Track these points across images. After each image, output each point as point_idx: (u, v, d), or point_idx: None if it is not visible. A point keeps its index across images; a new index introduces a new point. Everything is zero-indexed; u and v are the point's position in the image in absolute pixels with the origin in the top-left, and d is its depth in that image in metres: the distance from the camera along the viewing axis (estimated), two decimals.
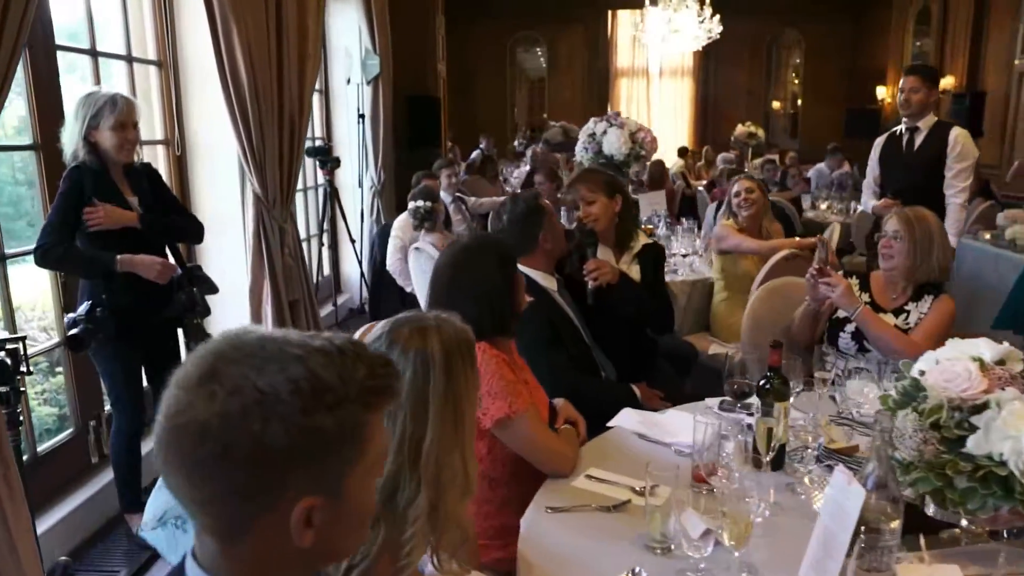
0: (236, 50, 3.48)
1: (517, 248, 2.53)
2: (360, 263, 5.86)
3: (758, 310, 2.92)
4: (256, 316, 3.98)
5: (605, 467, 1.85)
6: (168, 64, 3.80)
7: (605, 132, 4.63)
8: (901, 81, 3.96)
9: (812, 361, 2.27)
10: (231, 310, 3.75)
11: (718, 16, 9.77)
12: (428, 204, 4.22)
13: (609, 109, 13.07)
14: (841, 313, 2.71)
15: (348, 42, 5.79)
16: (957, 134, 3.83)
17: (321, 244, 5.48)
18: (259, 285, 3.95)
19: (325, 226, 5.60)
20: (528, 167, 9.52)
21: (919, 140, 3.92)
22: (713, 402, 2.29)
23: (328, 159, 5.04)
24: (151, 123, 3.80)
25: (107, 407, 3.17)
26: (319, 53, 4.28)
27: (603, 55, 12.93)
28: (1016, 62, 7.95)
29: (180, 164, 3.91)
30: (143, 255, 2.71)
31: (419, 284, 4.13)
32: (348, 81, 5.84)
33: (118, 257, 2.65)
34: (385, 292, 4.61)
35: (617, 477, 1.80)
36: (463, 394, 1.26)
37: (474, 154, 9.56)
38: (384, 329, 1.30)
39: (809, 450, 1.77)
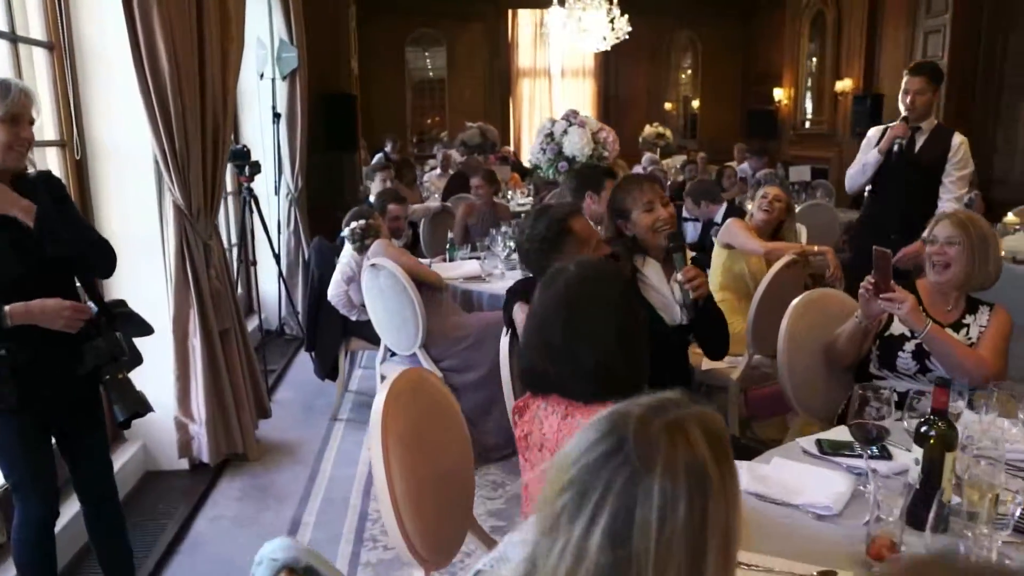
0: (156, 30, 2.85)
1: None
2: (282, 280, 5.21)
3: (795, 326, 2.60)
4: (182, 351, 3.32)
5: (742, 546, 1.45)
6: (62, 46, 3.08)
7: (566, 132, 4.25)
8: (905, 80, 3.78)
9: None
10: (151, 346, 3.06)
11: (627, 16, 9.64)
12: (361, 223, 3.70)
13: (511, 109, 12.87)
14: (896, 329, 2.44)
15: (259, 31, 5.12)
16: (960, 141, 3.71)
17: (241, 260, 4.80)
18: (184, 315, 3.30)
19: (238, 239, 4.93)
20: (439, 170, 9.05)
21: (920, 142, 3.76)
22: (807, 443, 1.94)
23: (248, 163, 4.39)
24: (40, 119, 3.06)
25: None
26: (243, 37, 3.66)
27: (504, 54, 12.60)
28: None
29: (79, 170, 3.20)
30: (41, 300, 2.01)
31: (376, 304, 3.59)
32: (261, 76, 5.18)
33: (7, 309, 1.96)
34: (325, 318, 4.03)
35: (770, 560, 1.40)
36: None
37: (377, 157, 8.94)
38: (609, 426, 0.78)
39: (1011, 510, 1.43)
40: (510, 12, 12.41)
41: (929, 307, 2.40)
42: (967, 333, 2.37)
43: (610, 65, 12.66)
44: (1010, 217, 4.93)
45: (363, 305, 3.78)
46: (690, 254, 2.59)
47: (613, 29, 9.76)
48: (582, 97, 12.92)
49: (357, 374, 4.85)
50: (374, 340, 3.84)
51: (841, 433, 1.96)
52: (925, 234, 2.49)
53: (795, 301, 2.64)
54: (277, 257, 4.97)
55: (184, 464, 3.44)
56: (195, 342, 3.32)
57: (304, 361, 4.90)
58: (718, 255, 3.68)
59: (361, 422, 4.12)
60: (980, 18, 7.54)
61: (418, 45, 12.58)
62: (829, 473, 1.77)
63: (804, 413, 2.63)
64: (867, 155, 3.80)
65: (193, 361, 3.35)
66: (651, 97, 13.12)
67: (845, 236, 5.83)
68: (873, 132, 3.94)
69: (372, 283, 3.53)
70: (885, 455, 1.84)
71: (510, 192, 8.08)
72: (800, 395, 2.59)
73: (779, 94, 11.95)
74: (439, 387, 1.85)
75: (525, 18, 12.46)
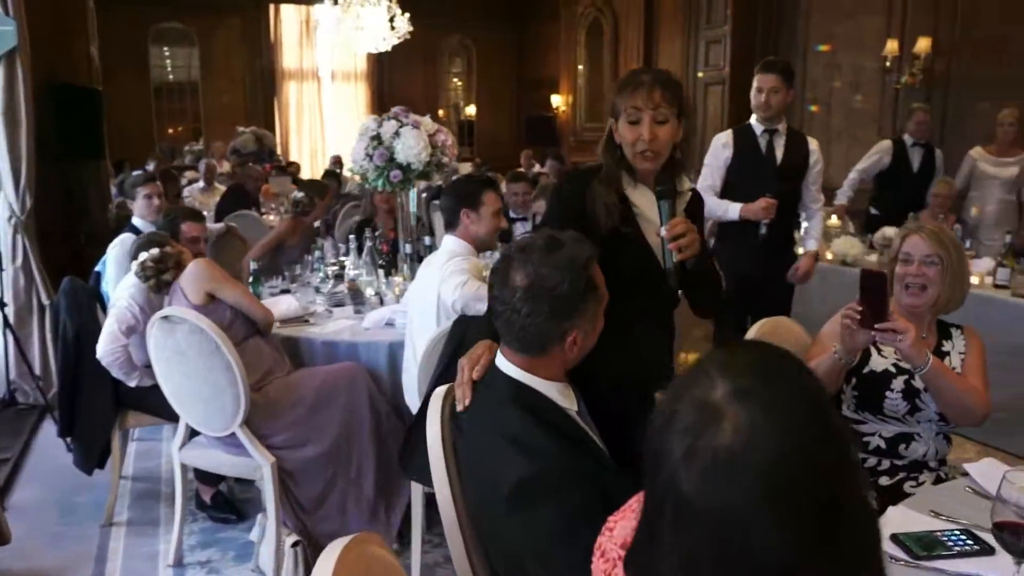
0: None
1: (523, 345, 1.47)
2: (10, 331, 3.89)
3: None
4: None
5: None
6: None
7: (397, 134, 3.49)
8: (757, 79, 3.49)
9: None
10: None
11: (408, 15, 8.99)
12: (155, 252, 2.71)
13: (276, 115, 11.64)
14: (878, 365, 2.04)
15: None
16: (816, 146, 3.54)
17: None
18: None
19: None
20: (202, 183, 7.75)
21: (780, 149, 3.50)
22: (889, 547, 1.42)
23: None
24: None
25: None
26: None
27: (267, 55, 11.36)
28: (700, 74, 8.45)
29: None
30: None
31: (172, 369, 2.60)
32: None
33: None
34: (88, 386, 2.92)
35: None
36: None
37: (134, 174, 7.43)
38: None
39: None
40: (272, 8, 11.21)
41: None
42: (950, 362, 2.04)
43: (384, 68, 11.94)
44: (833, 220, 4.98)
45: (148, 366, 2.76)
46: (684, 201, 1.91)
47: (393, 28, 9.07)
48: (355, 101, 12.07)
49: (132, 450, 3.70)
50: (165, 414, 2.82)
51: (915, 521, 1.48)
52: (893, 251, 2.14)
53: (753, 335, 2.17)
54: (4, 306, 3.66)
55: None
56: None
57: (50, 438, 3.66)
58: None
59: (147, 523, 3.06)
60: (755, 28, 7.89)
61: (163, 42, 10.96)
62: None
63: None
64: (727, 209, 3.44)
65: None
66: (427, 102, 12.58)
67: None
68: (724, 138, 3.62)
69: (164, 341, 2.54)
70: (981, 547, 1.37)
71: None
72: None
73: (557, 101, 11.98)
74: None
75: (289, 15, 11.32)
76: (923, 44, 6.16)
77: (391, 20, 8.99)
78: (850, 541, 0.73)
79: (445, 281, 2.44)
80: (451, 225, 2.76)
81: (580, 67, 11.28)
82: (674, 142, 1.81)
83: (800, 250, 3.75)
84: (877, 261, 4.40)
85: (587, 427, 1.51)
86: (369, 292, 3.46)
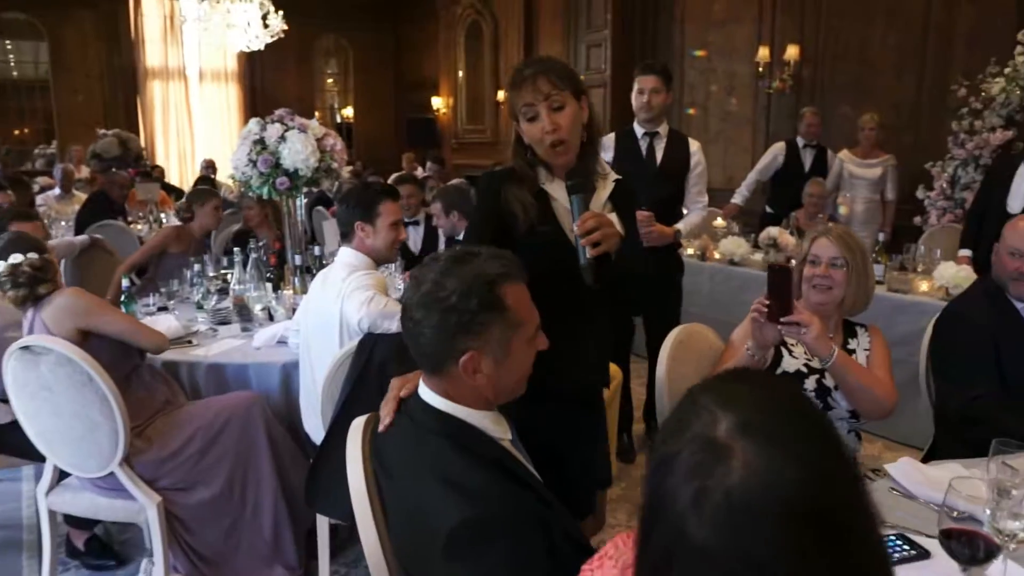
0: None
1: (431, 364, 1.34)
2: None
3: (672, 385, 2.10)
4: None
5: None
6: None
7: (283, 139, 3.26)
8: (637, 81, 3.51)
9: None
10: None
11: (282, 12, 8.61)
12: (32, 258, 2.37)
13: (140, 116, 10.88)
14: (790, 365, 2.07)
15: None
16: (698, 147, 3.58)
17: None
18: None
19: None
20: (58, 190, 7.12)
21: (661, 151, 3.54)
22: None
23: None
24: None
25: None
26: None
27: (127, 51, 10.60)
28: (582, 77, 8.52)
29: None
30: None
31: (40, 406, 2.30)
32: None
33: None
34: None
35: None
36: None
37: None
38: None
39: None
40: (131, 1, 10.47)
41: None
42: (856, 359, 2.09)
43: (256, 68, 11.42)
44: (719, 221, 5.12)
45: (6, 400, 2.44)
46: (606, 191, 1.84)
47: (267, 26, 8.66)
48: (226, 102, 11.48)
49: None
50: (28, 454, 2.51)
51: None
52: (802, 252, 2.18)
53: (665, 348, 2.14)
54: None
55: None
56: None
57: None
58: None
59: None
60: (634, 32, 8.06)
61: (5, 35, 10.04)
62: None
63: None
64: None
65: None
66: (302, 104, 12.12)
67: None
68: (606, 142, 3.63)
69: (25, 375, 2.24)
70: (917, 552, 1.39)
71: (163, 215, 6.63)
72: None
73: (438, 102, 11.85)
74: None
75: (151, 8, 10.61)
76: (792, 51, 6.47)
77: (264, 17, 8.59)
78: (871, 564, 0.68)
79: (348, 298, 2.28)
80: (346, 237, 2.59)
81: (460, 69, 11.21)
82: (582, 123, 1.75)
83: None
84: (763, 260, 4.55)
85: (522, 456, 1.42)
86: (257, 308, 3.23)
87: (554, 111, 1.68)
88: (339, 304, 2.31)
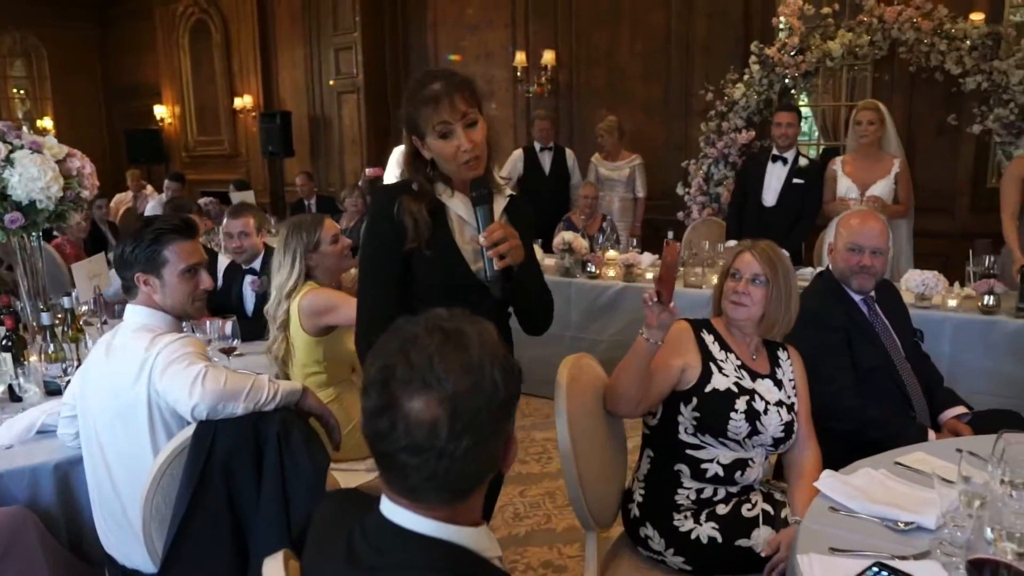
0: None
1: None
2: None
3: (581, 427, 1.88)
4: None
5: None
6: None
7: (10, 162, 2.48)
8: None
9: None
10: None
11: None
12: None
13: None
14: (721, 384, 1.94)
15: None
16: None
17: None
18: None
19: None
20: None
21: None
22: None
23: None
24: None
25: None
26: None
27: None
28: (331, 82, 8.06)
29: None
30: None
31: None
32: None
33: None
34: None
35: None
36: None
37: None
38: None
39: None
40: None
41: (743, 351, 2.04)
42: (786, 389, 2.04)
43: None
44: None
45: None
46: (501, 205, 1.78)
47: None
48: None
49: None
50: None
51: (831, 568, 1.36)
52: (725, 265, 2.10)
53: (561, 381, 1.91)
54: None
55: None
56: None
57: None
58: (307, 346, 2.56)
59: None
60: (383, 36, 7.75)
61: None
62: None
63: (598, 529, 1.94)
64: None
65: None
66: None
67: None
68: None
69: None
70: None
71: None
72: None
73: (161, 111, 10.58)
74: None
75: None
76: (548, 56, 6.61)
77: None
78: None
79: (163, 375, 1.72)
80: (129, 292, 2.00)
81: (186, 74, 10.10)
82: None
83: None
84: (556, 264, 4.50)
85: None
86: None
87: (468, 128, 1.65)
88: (145, 386, 1.75)
